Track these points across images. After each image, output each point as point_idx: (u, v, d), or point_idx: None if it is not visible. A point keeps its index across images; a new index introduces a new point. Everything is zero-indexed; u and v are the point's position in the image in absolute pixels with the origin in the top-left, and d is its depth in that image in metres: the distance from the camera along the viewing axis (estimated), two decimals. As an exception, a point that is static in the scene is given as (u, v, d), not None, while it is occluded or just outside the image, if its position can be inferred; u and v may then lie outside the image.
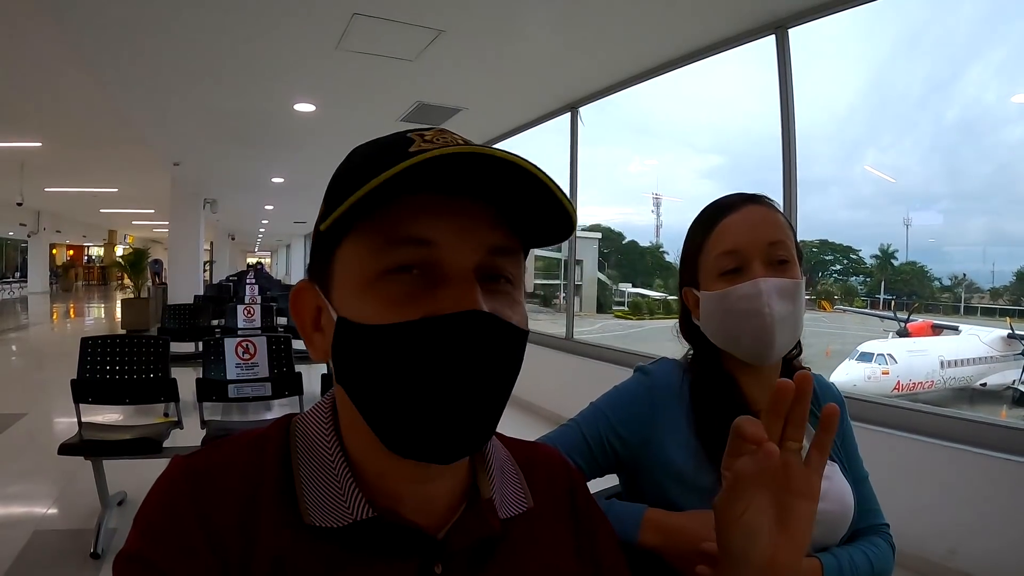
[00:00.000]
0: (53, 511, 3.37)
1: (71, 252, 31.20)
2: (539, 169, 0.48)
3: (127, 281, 13.75)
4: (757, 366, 1.00)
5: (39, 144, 8.41)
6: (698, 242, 1.04)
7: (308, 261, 0.59)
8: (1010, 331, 11.14)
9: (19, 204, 12.97)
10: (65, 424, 4.68)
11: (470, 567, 0.56)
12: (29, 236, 22.82)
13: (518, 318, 0.53)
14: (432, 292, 0.49)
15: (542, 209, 0.51)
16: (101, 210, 19.71)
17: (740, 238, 0.98)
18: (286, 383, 3.39)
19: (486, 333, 0.49)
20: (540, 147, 7.25)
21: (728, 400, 1.00)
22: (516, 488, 0.64)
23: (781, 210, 1.03)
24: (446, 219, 0.50)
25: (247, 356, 3.33)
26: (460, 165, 0.47)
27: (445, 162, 0.46)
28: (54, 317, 16.49)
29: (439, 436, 0.49)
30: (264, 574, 0.50)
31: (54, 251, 27.35)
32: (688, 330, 1.09)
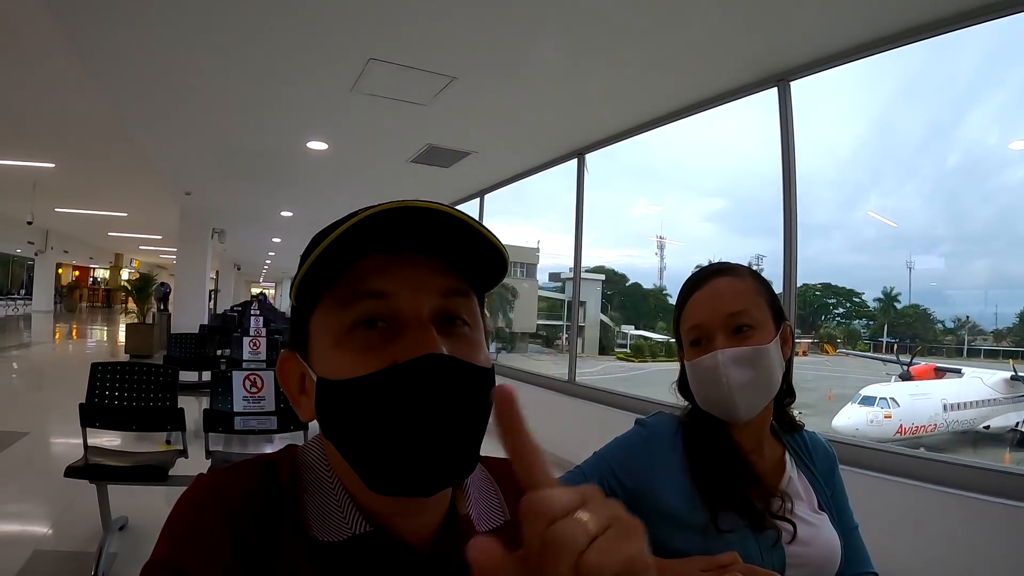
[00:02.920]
0: (53, 532, 3.40)
1: (77, 273, 31.28)
2: (465, 214, 0.54)
3: (131, 305, 13.78)
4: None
5: (52, 165, 8.51)
6: (676, 316, 1.16)
7: (290, 333, 0.65)
8: (1013, 373, 11.03)
9: (29, 223, 13.08)
10: (67, 446, 4.73)
11: None
12: (36, 255, 22.91)
13: (478, 357, 0.57)
14: (394, 342, 0.54)
15: (482, 253, 0.57)
16: (109, 233, 19.81)
17: (703, 313, 1.09)
18: (292, 418, 3.41)
19: (445, 373, 0.53)
20: (547, 191, 7.30)
21: (720, 444, 1.09)
22: (493, 503, 0.69)
23: (752, 273, 1.13)
24: (397, 272, 0.56)
25: (255, 389, 3.36)
26: (400, 223, 0.53)
27: (383, 219, 0.52)
28: (56, 337, 16.53)
29: (417, 472, 0.53)
30: None
31: (60, 271, 27.43)
32: (685, 389, 1.17)
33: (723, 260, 1.15)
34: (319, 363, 0.57)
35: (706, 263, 1.18)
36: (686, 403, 1.19)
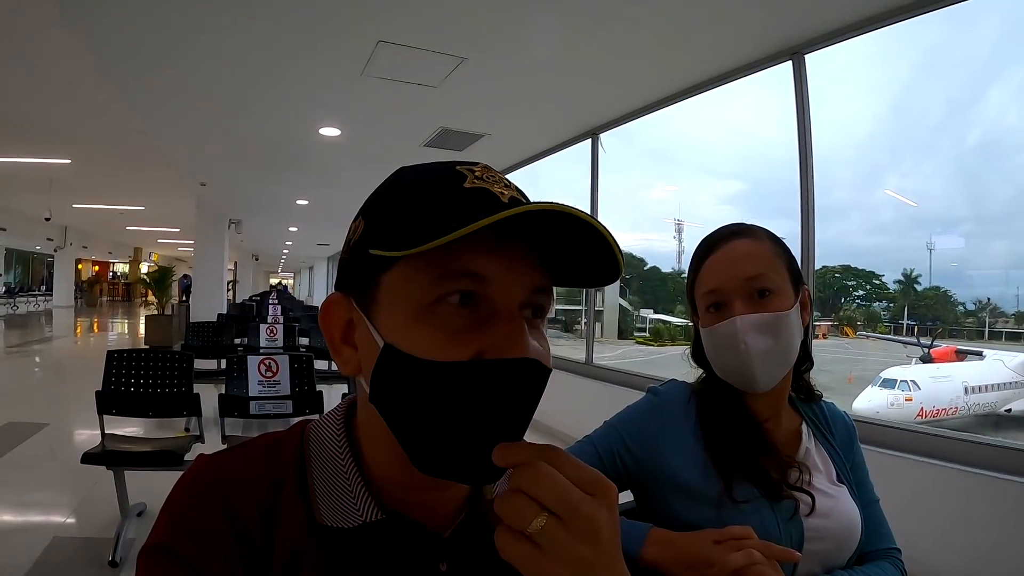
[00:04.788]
0: (72, 519, 3.44)
1: (96, 268, 31.68)
2: (605, 228, 0.51)
3: (151, 298, 13.96)
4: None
5: (68, 162, 8.58)
6: (691, 280, 1.11)
7: (340, 274, 0.60)
8: (1035, 356, 10.92)
9: (47, 219, 13.26)
10: (86, 435, 4.78)
11: (473, 565, 0.59)
12: (56, 251, 23.23)
13: (546, 352, 0.56)
14: (483, 328, 0.51)
15: (589, 256, 0.54)
16: (127, 227, 20.06)
17: (720, 277, 1.04)
18: (307, 401, 3.43)
19: (532, 380, 0.52)
20: (561, 173, 7.26)
21: (735, 414, 1.05)
22: None
23: (770, 235, 1.08)
24: (498, 256, 0.52)
25: (269, 374, 3.37)
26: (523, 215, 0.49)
27: (521, 216, 0.47)
28: (78, 331, 16.73)
29: (473, 464, 0.51)
30: (282, 569, 0.53)
31: (80, 266, 27.77)
32: (699, 356, 1.13)
33: (739, 221, 1.10)
34: (389, 329, 0.53)
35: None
36: (701, 373, 1.15)
